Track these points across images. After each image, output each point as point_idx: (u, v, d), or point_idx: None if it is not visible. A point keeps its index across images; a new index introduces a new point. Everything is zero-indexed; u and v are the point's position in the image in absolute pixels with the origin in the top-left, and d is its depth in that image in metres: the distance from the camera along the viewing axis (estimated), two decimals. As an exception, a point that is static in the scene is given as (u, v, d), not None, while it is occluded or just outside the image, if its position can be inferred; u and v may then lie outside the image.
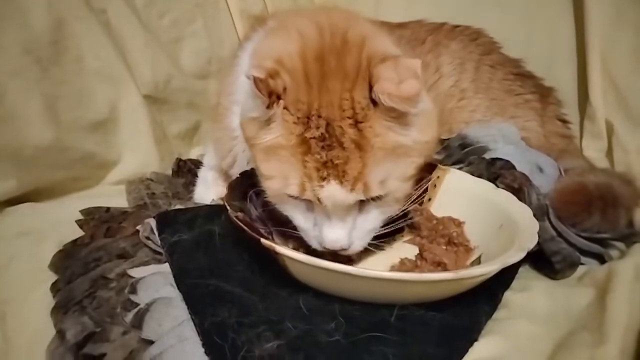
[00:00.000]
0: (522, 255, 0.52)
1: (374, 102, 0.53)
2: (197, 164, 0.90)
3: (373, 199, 0.55)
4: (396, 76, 0.51)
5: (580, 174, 0.80)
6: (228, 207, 0.56)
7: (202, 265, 0.55)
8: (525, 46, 1.08)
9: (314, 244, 0.58)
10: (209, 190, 0.83)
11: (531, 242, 0.54)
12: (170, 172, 0.91)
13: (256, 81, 0.50)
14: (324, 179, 0.53)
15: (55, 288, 0.61)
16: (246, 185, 0.65)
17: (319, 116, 0.53)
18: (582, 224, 0.69)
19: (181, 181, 0.86)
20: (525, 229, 0.58)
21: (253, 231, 0.53)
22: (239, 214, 0.56)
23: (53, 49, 0.78)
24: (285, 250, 0.49)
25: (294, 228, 0.61)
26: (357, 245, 0.58)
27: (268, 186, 0.57)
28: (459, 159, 0.82)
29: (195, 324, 0.47)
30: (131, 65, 0.88)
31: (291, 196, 0.55)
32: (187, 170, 0.90)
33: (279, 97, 0.52)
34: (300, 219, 0.58)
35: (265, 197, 0.60)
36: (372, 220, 0.58)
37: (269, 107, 0.52)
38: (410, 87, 0.51)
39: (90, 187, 0.86)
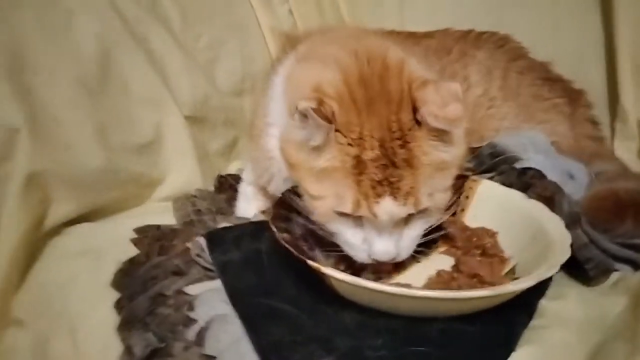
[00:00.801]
0: (556, 270, 0.54)
1: (418, 123, 0.57)
2: (237, 179, 0.94)
3: (420, 210, 0.59)
4: (440, 99, 0.56)
5: (611, 179, 0.82)
6: (274, 229, 0.60)
7: (253, 284, 0.60)
8: (554, 48, 1.08)
9: (363, 257, 0.61)
10: (250, 205, 0.87)
11: (564, 256, 0.56)
12: (212, 188, 0.95)
13: (312, 112, 0.54)
14: (379, 195, 0.56)
15: (119, 306, 0.65)
16: (288, 204, 0.69)
17: (372, 137, 0.56)
18: (615, 231, 0.71)
19: (223, 197, 0.91)
20: (558, 241, 0.60)
21: (299, 252, 0.57)
22: (285, 235, 0.60)
23: (101, 79, 0.83)
24: (331, 271, 0.53)
25: (333, 245, 0.64)
26: (404, 254, 0.62)
27: (318, 206, 0.60)
28: (490, 167, 0.84)
29: (252, 342, 0.51)
30: (172, 88, 0.93)
31: (342, 213, 0.59)
32: (228, 186, 0.94)
33: (330, 122, 0.55)
34: (349, 235, 0.61)
35: (308, 217, 0.64)
36: (416, 230, 0.62)
37: (328, 133, 0.55)
38: (456, 110, 0.55)
39: (139, 205, 0.91)
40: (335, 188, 0.58)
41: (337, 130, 0.56)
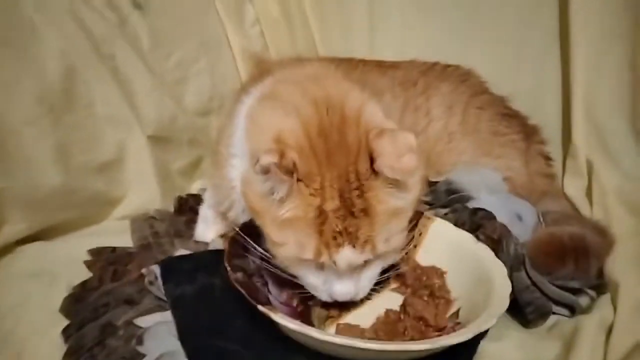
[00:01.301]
0: (493, 322, 0.57)
1: (375, 172, 0.59)
2: (198, 199, 0.95)
3: (377, 255, 0.62)
4: (395, 150, 0.58)
5: (556, 221, 0.86)
6: (228, 268, 0.61)
7: (204, 322, 0.61)
8: (514, 84, 1.11)
9: (324, 297, 0.64)
10: (209, 228, 0.88)
11: (502, 308, 0.59)
12: (172, 208, 0.95)
13: (275, 167, 0.55)
14: (339, 245, 0.59)
15: (66, 333, 0.65)
16: (244, 237, 0.70)
17: (332, 187, 0.58)
18: (556, 273, 0.75)
19: (183, 219, 0.91)
20: (499, 290, 0.63)
21: (251, 293, 0.58)
22: (238, 275, 0.61)
23: (65, 97, 0.83)
24: (280, 319, 0.54)
25: (287, 281, 0.66)
26: (362, 293, 0.65)
27: (280, 252, 0.62)
28: (445, 204, 0.88)
29: (198, 387, 0.52)
30: (137, 107, 0.93)
31: (303, 259, 0.61)
32: (188, 208, 0.94)
33: (292, 174, 0.57)
34: (310, 278, 0.63)
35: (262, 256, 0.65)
36: (374, 271, 0.65)
37: (290, 186, 0.57)
38: (410, 161, 0.57)
39: (97, 223, 0.90)
40: (297, 236, 0.59)
41: (299, 180, 0.58)
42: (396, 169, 0.57)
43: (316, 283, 0.63)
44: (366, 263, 0.63)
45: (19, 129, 0.78)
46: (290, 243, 0.60)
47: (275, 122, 0.62)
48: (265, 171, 0.56)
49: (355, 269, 0.62)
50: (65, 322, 0.67)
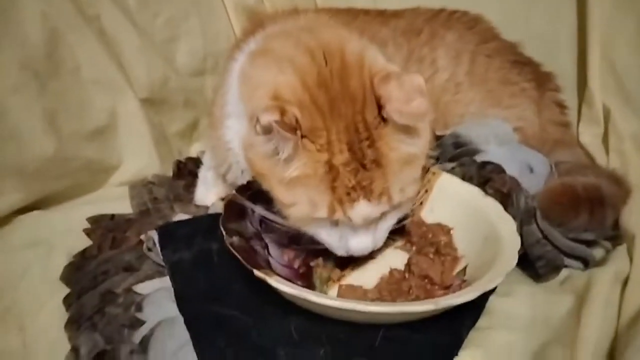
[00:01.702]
0: (500, 280, 0.55)
1: (384, 120, 0.56)
2: (197, 163, 0.92)
3: (394, 206, 0.59)
4: (404, 94, 0.54)
5: (570, 171, 0.82)
6: (224, 232, 0.59)
7: (202, 288, 0.59)
8: (525, 30, 1.06)
9: (340, 253, 0.62)
10: (209, 191, 0.86)
11: (510, 265, 0.57)
12: (171, 173, 0.93)
13: (277, 125, 0.52)
14: (354, 200, 0.56)
15: (67, 302, 0.65)
16: (242, 199, 0.68)
17: (340, 140, 0.55)
18: (569, 224, 0.72)
19: (182, 183, 0.89)
20: (508, 247, 0.60)
21: (248, 257, 0.57)
22: (234, 239, 0.59)
23: (49, 62, 0.79)
24: (275, 283, 0.52)
25: (292, 239, 0.65)
26: (379, 244, 0.63)
27: (291, 213, 0.59)
28: (452, 158, 0.84)
29: (196, 352, 0.51)
30: (127, 70, 0.89)
31: (317, 218, 0.58)
32: (187, 172, 0.92)
33: (295, 131, 0.54)
34: (324, 235, 0.61)
35: (266, 219, 0.63)
36: (389, 222, 0.63)
37: (295, 143, 0.54)
38: (420, 105, 0.54)
39: (95, 191, 0.89)
40: (308, 195, 0.57)
41: (303, 137, 0.55)
42: (406, 114, 0.54)
43: (332, 240, 0.61)
44: (382, 215, 0.60)
45: (5, 97, 0.75)
46: (301, 203, 0.57)
47: (270, 78, 0.58)
48: (267, 131, 0.53)
49: (372, 222, 0.60)
50: (65, 291, 0.67)
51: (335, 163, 0.55)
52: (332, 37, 0.62)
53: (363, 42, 0.65)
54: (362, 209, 0.56)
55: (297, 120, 0.54)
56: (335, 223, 0.60)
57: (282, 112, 0.53)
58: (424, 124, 0.59)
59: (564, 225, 0.72)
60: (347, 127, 0.55)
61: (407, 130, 0.57)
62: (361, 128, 0.56)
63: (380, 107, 0.56)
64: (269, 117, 0.52)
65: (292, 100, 0.55)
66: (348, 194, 0.56)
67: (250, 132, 0.58)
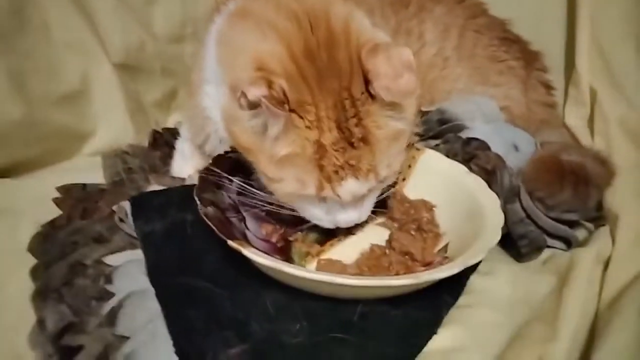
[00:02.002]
0: (482, 256, 0.53)
1: (371, 95, 0.54)
2: (174, 133, 0.89)
3: (381, 181, 0.58)
4: (392, 70, 0.52)
5: (554, 150, 0.81)
6: (198, 202, 0.57)
7: (174, 259, 0.57)
8: (515, 6, 1.04)
9: (326, 225, 0.61)
10: (186, 163, 0.83)
11: (492, 241, 0.56)
12: (147, 143, 0.90)
13: (266, 101, 0.49)
14: (342, 178, 0.55)
15: (34, 273, 0.62)
16: (219, 171, 0.65)
17: (328, 118, 0.53)
18: (553, 197, 0.71)
19: (158, 154, 0.86)
20: (490, 223, 0.59)
21: (223, 227, 0.54)
22: (209, 209, 0.57)
23: (15, 19, 0.74)
24: (250, 254, 0.50)
25: (270, 213, 0.62)
26: (364, 217, 0.62)
27: (278, 188, 0.57)
28: (437, 134, 0.82)
29: (167, 326, 0.49)
30: (100, 32, 0.85)
31: (304, 195, 0.57)
32: (163, 142, 0.89)
33: (283, 106, 0.51)
34: (311, 210, 0.60)
35: (244, 190, 0.61)
36: (375, 194, 0.62)
37: (285, 119, 0.51)
38: (409, 82, 0.52)
39: (67, 160, 0.85)
40: (296, 172, 0.55)
41: (291, 111, 0.52)
42: (394, 92, 0.52)
43: (319, 214, 0.60)
44: (369, 189, 0.59)
45: (-35, 55, 0.70)
46: (288, 179, 0.56)
47: (252, 44, 0.55)
48: (254, 106, 0.50)
49: (359, 197, 0.59)
50: (33, 262, 0.64)
51: (324, 142, 0.53)
52: (317, 1, 0.58)
53: (348, 6, 0.61)
54: (350, 186, 0.55)
55: (284, 94, 0.51)
56: (323, 199, 0.58)
57: (269, 85, 0.50)
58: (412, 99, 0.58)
59: (548, 198, 0.71)
60: (335, 103, 0.53)
61: (394, 106, 0.55)
62: (348, 105, 0.54)
63: (367, 82, 0.53)
64: (257, 92, 0.49)
65: (278, 71, 0.52)
66: (336, 172, 0.54)
67: (233, 104, 0.54)
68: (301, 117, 0.53)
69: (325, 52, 0.54)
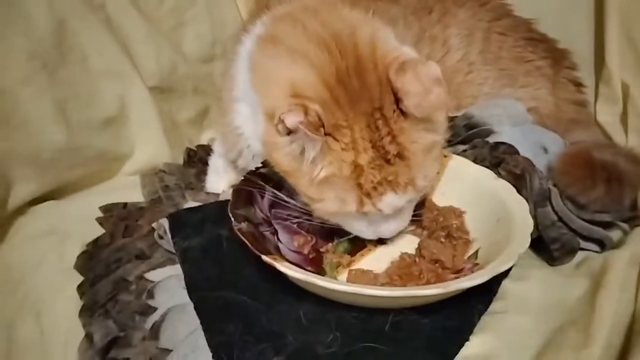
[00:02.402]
0: (512, 263, 0.54)
1: (402, 112, 0.55)
2: (208, 150, 0.92)
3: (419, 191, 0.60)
4: (421, 86, 0.53)
5: (585, 148, 0.80)
6: (232, 218, 0.59)
7: (212, 274, 0.59)
8: (540, 5, 1.03)
9: (369, 237, 0.63)
10: (220, 178, 0.86)
11: (522, 247, 0.56)
12: (182, 161, 0.93)
13: (303, 127, 0.51)
14: (381, 194, 0.57)
15: (81, 290, 0.66)
16: (251, 186, 0.68)
17: (364, 139, 0.55)
18: (586, 194, 0.70)
19: (193, 171, 0.89)
20: (520, 229, 0.59)
21: (256, 242, 0.57)
22: (243, 225, 0.59)
23: (57, 52, 0.79)
24: (283, 268, 0.52)
25: (301, 223, 0.65)
26: (406, 224, 0.65)
27: (319, 207, 0.59)
28: (464, 139, 0.83)
29: (206, 339, 0.51)
30: (135, 58, 0.89)
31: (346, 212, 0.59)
32: (197, 159, 0.92)
33: (320, 130, 0.53)
34: (353, 224, 0.62)
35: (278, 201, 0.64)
36: (414, 203, 0.64)
37: (322, 143, 0.54)
38: (439, 97, 0.53)
39: (107, 180, 0.90)
40: (336, 192, 0.57)
41: (327, 134, 0.54)
42: (425, 107, 0.54)
43: (361, 227, 0.62)
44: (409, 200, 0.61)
45: (15, 88, 0.75)
46: (329, 199, 0.58)
47: (284, 72, 0.57)
48: (291, 132, 0.53)
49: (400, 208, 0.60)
50: (80, 279, 0.67)
51: (361, 162, 0.55)
52: (342, 24, 0.60)
53: (372, 24, 0.63)
54: (390, 200, 0.57)
55: (320, 118, 0.53)
56: (364, 213, 0.60)
57: (305, 111, 0.52)
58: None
59: (580, 194, 0.70)
60: (368, 124, 0.55)
61: (426, 120, 0.56)
62: (381, 124, 0.55)
63: (398, 100, 0.55)
64: (295, 118, 0.51)
65: (313, 97, 0.54)
66: (375, 188, 0.56)
67: (271, 130, 0.57)
68: (337, 140, 0.55)
69: (355, 76, 0.56)
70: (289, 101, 0.53)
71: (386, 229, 0.62)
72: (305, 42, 0.58)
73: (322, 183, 0.57)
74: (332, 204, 0.58)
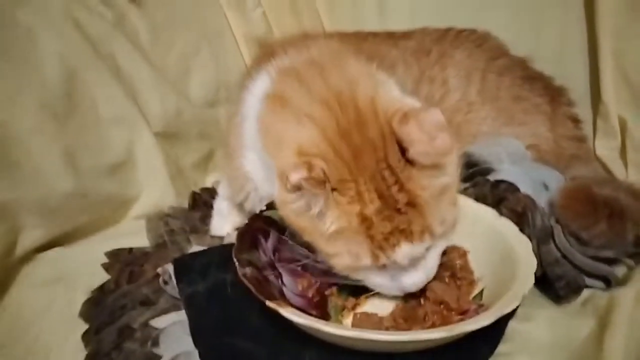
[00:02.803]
0: (517, 304, 0.54)
1: (409, 161, 0.55)
2: (212, 193, 0.94)
3: (437, 238, 0.59)
4: (425, 134, 0.54)
5: (585, 184, 0.80)
6: (236, 263, 0.60)
7: (216, 320, 0.59)
8: (535, 44, 1.06)
9: (394, 293, 0.61)
10: (225, 221, 0.87)
11: (526, 287, 0.56)
12: (187, 204, 0.95)
13: (306, 183, 0.52)
14: (394, 245, 0.56)
15: (86, 338, 0.66)
16: (255, 229, 0.68)
17: (369, 190, 0.55)
18: (589, 231, 0.70)
19: (197, 215, 0.90)
20: (524, 268, 0.59)
21: (261, 287, 0.57)
22: (247, 270, 0.59)
23: (68, 102, 0.82)
24: (287, 314, 0.52)
25: (305, 266, 0.64)
26: (432, 274, 0.62)
27: (336, 262, 0.59)
28: (465, 178, 0.83)
29: (211, 387, 0.51)
30: (142, 105, 0.92)
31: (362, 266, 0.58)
32: (202, 203, 0.93)
33: (324, 185, 0.54)
34: (375, 279, 0.61)
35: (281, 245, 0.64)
36: (437, 250, 0.62)
37: (326, 198, 0.54)
38: (444, 141, 0.53)
39: (114, 225, 0.91)
40: (348, 246, 0.57)
41: (333, 190, 0.55)
42: (432, 154, 0.54)
43: (383, 282, 0.60)
44: (428, 247, 0.59)
45: (25, 138, 0.77)
46: (343, 253, 0.57)
47: (291, 134, 0.58)
48: (297, 188, 0.53)
49: (420, 258, 0.59)
50: (85, 327, 0.68)
51: (367, 213, 0.55)
52: (344, 81, 0.61)
53: (374, 77, 0.64)
54: (405, 251, 0.56)
55: (324, 174, 0.54)
56: (383, 267, 0.59)
57: (310, 168, 0.53)
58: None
59: (582, 230, 0.70)
60: (373, 175, 0.55)
61: (435, 166, 0.56)
62: (387, 174, 0.55)
63: (403, 150, 0.55)
64: (298, 175, 0.52)
65: (317, 154, 0.55)
66: (386, 239, 0.55)
67: (282, 189, 0.58)
68: (342, 195, 0.55)
69: (357, 131, 0.56)
70: (294, 160, 0.55)
71: (410, 282, 0.59)
72: (309, 103, 0.59)
73: (334, 238, 0.56)
74: (347, 258, 0.57)
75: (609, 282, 0.69)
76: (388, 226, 0.55)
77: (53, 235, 0.82)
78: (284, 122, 0.60)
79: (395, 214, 0.55)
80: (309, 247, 0.62)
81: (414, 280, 0.59)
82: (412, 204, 0.55)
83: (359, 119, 0.57)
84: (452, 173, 0.59)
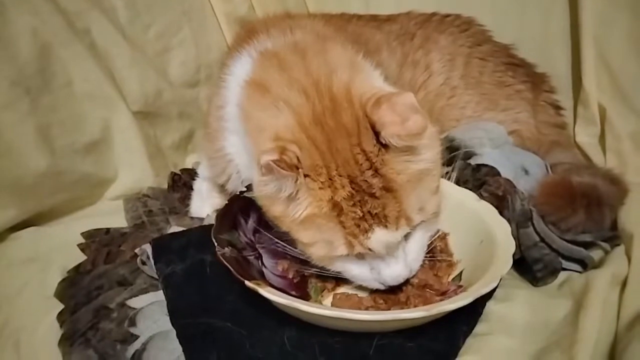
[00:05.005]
0: (494, 285, 0.54)
1: (383, 145, 0.55)
2: (192, 174, 0.92)
3: (415, 226, 0.58)
4: (397, 116, 0.53)
5: (566, 172, 0.81)
6: (215, 243, 0.59)
7: (195, 300, 0.59)
8: (518, 30, 1.06)
9: (375, 286, 0.60)
10: (204, 203, 0.86)
11: (504, 269, 0.56)
12: (166, 185, 0.93)
13: (275, 164, 0.51)
14: (367, 230, 0.55)
15: (61, 318, 0.65)
16: (235, 210, 0.68)
17: (340, 175, 0.54)
18: (567, 221, 0.71)
19: (177, 196, 0.89)
20: (502, 250, 0.60)
21: (240, 268, 0.56)
22: (226, 250, 0.59)
23: (41, 77, 0.79)
24: (266, 293, 0.52)
25: (286, 248, 0.63)
26: (415, 268, 0.61)
27: (312, 252, 0.58)
28: (446, 162, 0.83)
29: (188, 367, 0.51)
30: (119, 83, 0.89)
31: (338, 256, 0.57)
32: (182, 184, 0.92)
33: (297, 168, 0.53)
34: (354, 270, 0.60)
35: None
36: (419, 241, 0.61)
37: (296, 180, 0.54)
38: (416, 123, 0.52)
39: (90, 205, 0.89)
40: (321, 234, 0.56)
41: (306, 176, 0.54)
42: (404, 136, 0.53)
43: (363, 273, 0.60)
44: (407, 236, 0.59)
45: (-3, 114, 0.75)
46: (318, 242, 0.57)
47: (269, 121, 0.58)
48: (269, 171, 0.53)
49: (398, 247, 0.58)
50: (60, 307, 0.66)
51: (337, 199, 0.54)
52: (321, 69, 0.60)
53: (354, 66, 0.63)
54: (379, 237, 0.55)
55: (298, 159, 0.53)
56: (361, 256, 0.58)
57: (282, 152, 0.53)
58: (427, 137, 0.57)
59: (561, 221, 0.71)
60: (346, 161, 0.55)
61: (409, 149, 0.55)
62: (361, 159, 0.55)
63: (377, 134, 0.54)
64: (268, 158, 0.52)
65: (291, 140, 0.55)
66: (358, 225, 0.55)
67: (258, 173, 0.57)
68: (314, 180, 0.54)
69: (331, 117, 0.56)
70: (269, 145, 0.54)
71: (390, 274, 0.58)
72: (288, 90, 0.59)
73: (306, 225, 0.56)
74: (321, 248, 0.57)
75: (585, 265, 0.70)
76: (358, 211, 0.54)
77: (27, 214, 0.80)
78: (264, 110, 0.60)
79: (369, 198, 0.54)
80: (288, 240, 0.61)
81: (395, 272, 0.58)
82: (387, 188, 0.55)
83: (333, 105, 0.56)
84: (431, 159, 0.58)
